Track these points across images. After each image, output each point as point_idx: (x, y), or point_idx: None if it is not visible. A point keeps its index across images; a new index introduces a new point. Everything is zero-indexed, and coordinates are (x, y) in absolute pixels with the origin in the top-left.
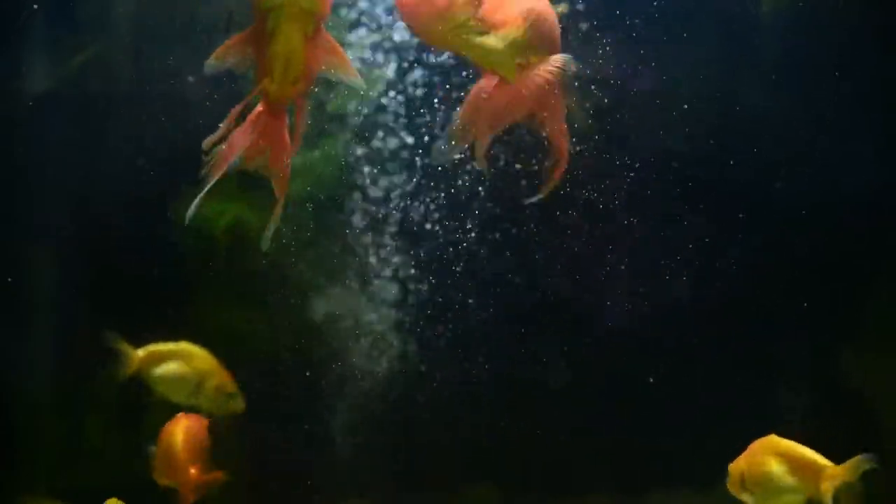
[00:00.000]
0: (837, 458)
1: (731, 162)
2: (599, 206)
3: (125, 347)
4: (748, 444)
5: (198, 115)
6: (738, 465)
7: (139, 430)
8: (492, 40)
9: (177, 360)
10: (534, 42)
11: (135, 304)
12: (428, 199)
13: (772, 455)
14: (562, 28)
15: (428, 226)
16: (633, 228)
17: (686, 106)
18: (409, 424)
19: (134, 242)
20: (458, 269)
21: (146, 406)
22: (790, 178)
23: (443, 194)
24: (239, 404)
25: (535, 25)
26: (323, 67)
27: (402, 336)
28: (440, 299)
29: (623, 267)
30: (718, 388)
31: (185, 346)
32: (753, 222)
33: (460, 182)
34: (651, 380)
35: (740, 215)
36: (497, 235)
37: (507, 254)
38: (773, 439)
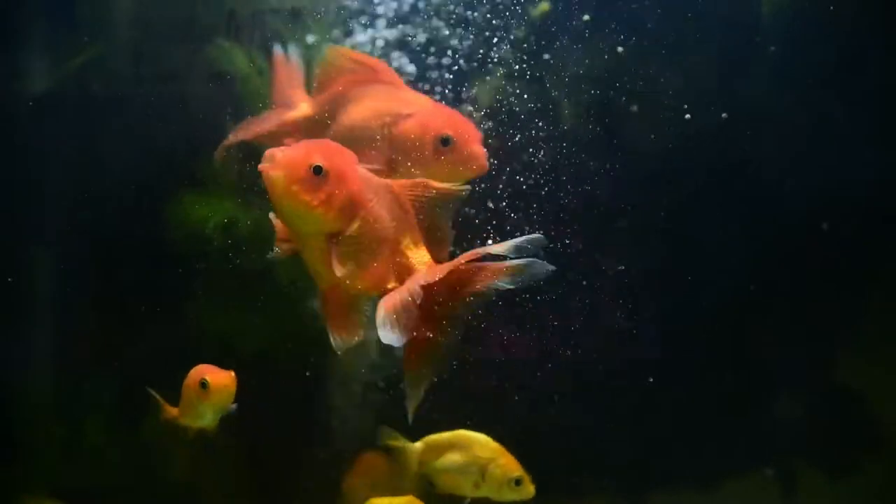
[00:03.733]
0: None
1: (730, 162)
2: (591, 208)
3: (403, 443)
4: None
5: (197, 117)
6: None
7: (139, 430)
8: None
9: (457, 449)
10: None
11: (134, 305)
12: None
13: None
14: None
15: None
16: (622, 232)
17: (685, 106)
18: (408, 424)
19: (133, 243)
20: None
21: (146, 406)
22: (790, 178)
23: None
24: (528, 490)
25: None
26: (364, 258)
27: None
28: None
29: (622, 266)
30: (718, 388)
31: (462, 434)
32: (752, 222)
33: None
34: (650, 380)
35: (739, 216)
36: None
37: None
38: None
